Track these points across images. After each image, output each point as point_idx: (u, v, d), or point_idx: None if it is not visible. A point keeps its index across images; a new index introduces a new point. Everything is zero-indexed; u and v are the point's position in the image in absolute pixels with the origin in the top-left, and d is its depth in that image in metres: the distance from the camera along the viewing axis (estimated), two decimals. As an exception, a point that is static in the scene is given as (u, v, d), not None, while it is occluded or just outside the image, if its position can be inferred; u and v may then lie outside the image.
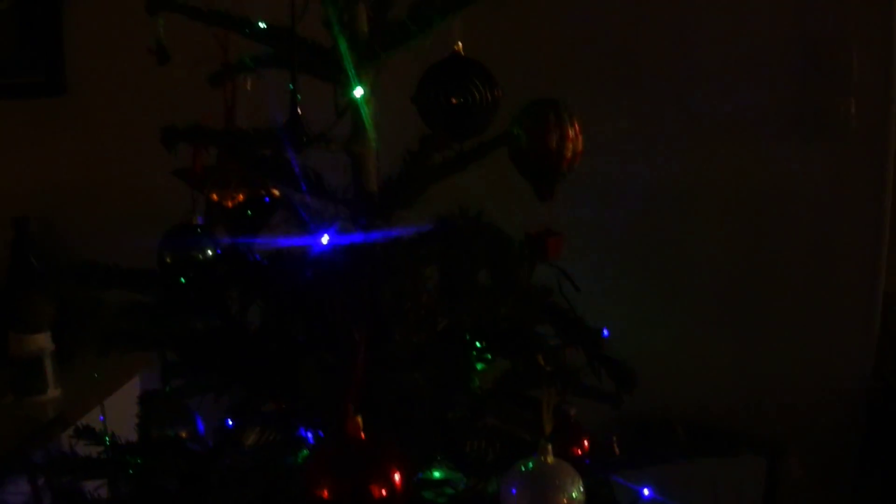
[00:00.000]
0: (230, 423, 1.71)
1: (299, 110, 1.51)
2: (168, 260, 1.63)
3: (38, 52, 3.00)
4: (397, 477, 1.23)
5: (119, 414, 2.47)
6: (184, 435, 1.79)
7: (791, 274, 2.70)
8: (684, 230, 2.70)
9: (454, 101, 1.64)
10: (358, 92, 1.57)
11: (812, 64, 2.63)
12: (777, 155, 2.65)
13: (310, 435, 1.59)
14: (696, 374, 2.77)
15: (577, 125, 1.60)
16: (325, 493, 1.21)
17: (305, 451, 1.63)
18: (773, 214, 2.67)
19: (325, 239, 1.63)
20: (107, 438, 1.74)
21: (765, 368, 2.76)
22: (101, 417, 2.35)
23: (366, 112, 1.62)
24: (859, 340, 2.74)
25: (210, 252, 1.63)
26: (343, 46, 1.59)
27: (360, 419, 1.25)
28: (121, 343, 1.62)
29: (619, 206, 2.63)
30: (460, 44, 1.71)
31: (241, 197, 1.77)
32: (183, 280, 1.61)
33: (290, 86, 1.52)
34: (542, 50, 2.60)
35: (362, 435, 1.24)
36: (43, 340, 2.54)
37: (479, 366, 1.60)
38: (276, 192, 1.76)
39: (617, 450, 1.92)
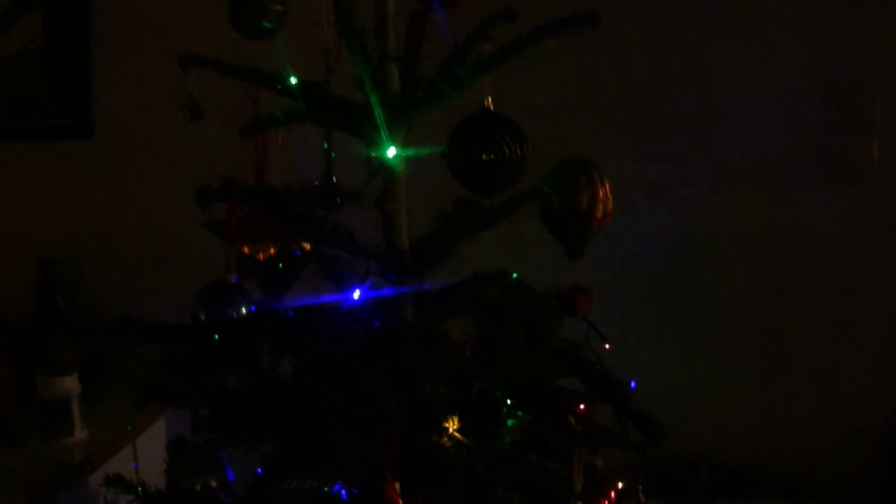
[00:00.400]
0: (260, 472, 1.72)
1: (333, 174, 1.54)
2: (202, 317, 1.65)
3: (66, 95, 3.04)
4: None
5: (145, 455, 2.49)
6: (214, 484, 1.80)
7: (813, 317, 2.71)
8: (706, 275, 2.71)
9: (484, 157, 1.65)
10: (391, 152, 1.59)
11: (834, 108, 2.64)
12: (800, 199, 2.66)
13: (343, 492, 1.60)
14: (719, 417, 2.77)
15: (607, 185, 1.61)
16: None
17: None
18: (796, 258, 2.68)
19: (356, 294, 1.65)
20: (139, 490, 1.75)
21: (787, 411, 2.76)
22: (134, 465, 2.35)
23: (397, 170, 1.64)
24: (882, 383, 2.74)
25: (244, 310, 1.64)
26: (374, 105, 1.61)
27: (398, 485, 1.26)
28: (155, 399, 1.63)
29: (642, 250, 2.64)
30: (490, 99, 1.73)
31: (272, 250, 1.79)
32: (217, 337, 1.63)
33: (325, 146, 1.55)
34: (567, 100, 2.62)
35: (399, 501, 1.26)
36: (70, 383, 2.55)
37: (510, 422, 1.62)
38: (308, 246, 1.78)
39: (643, 498, 1.93)
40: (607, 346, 1.83)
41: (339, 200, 1.55)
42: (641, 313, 2.71)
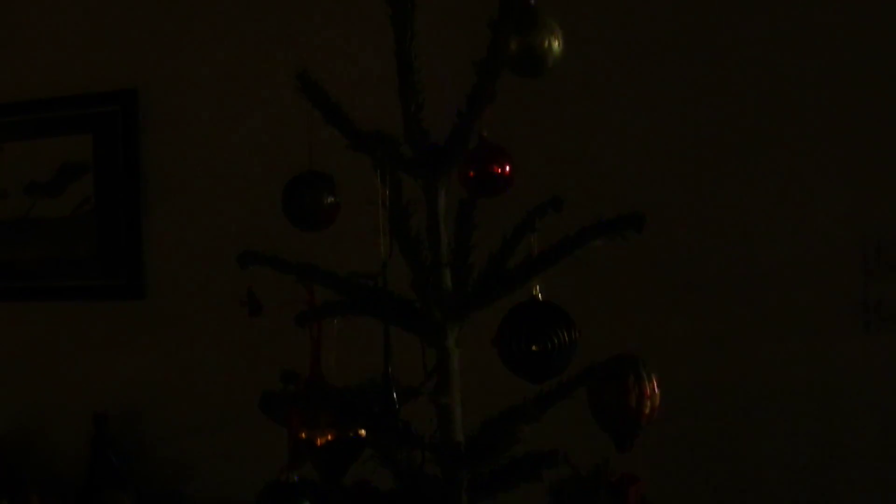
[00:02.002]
0: None
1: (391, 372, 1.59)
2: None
3: (117, 256, 3.13)
4: None
5: None
6: None
7: (862, 468, 2.70)
8: (749, 428, 2.72)
9: (534, 347, 1.70)
10: (446, 353, 1.65)
11: (873, 255, 2.67)
12: (841, 347, 2.67)
13: None
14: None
15: (654, 382, 1.66)
16: None
17: None
18: (839, 407, 2.69)
19: (412, 484, 1.70)
20: None
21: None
22: None
23: (452, 367, 1.69)
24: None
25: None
26: (429, 306, 1.67)
27: None
28: None
29: (683, 403, 2.66)
30: (537, 287, 1.78)
31: (329, 436, 1.83)
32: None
33: (384, 347, 1.61)
34: (611, 258, 2.66)
35: None
36: (126, 544, 2.60)
37: None
38: (364, 433, 1.82)
39: None
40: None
41: (397, 405, 1.61)
42: (685, 466, 2.72)
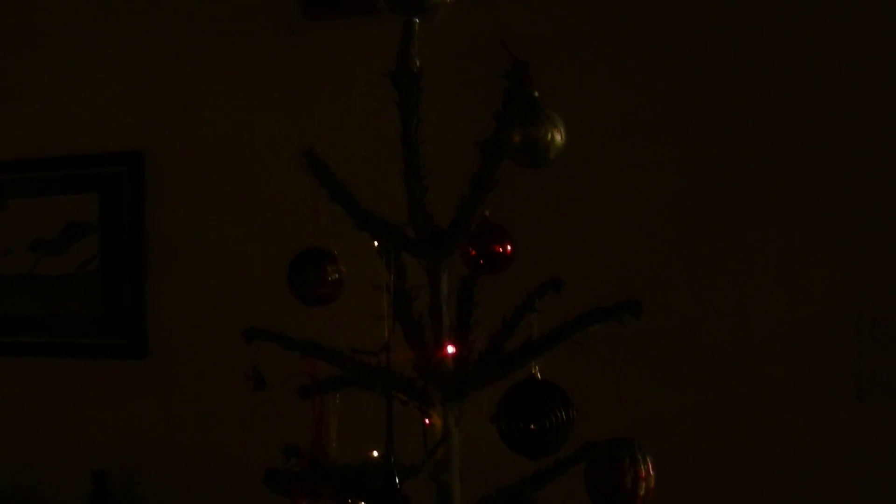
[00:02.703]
0: None
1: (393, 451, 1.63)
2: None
3: (121, 316, 3.17)
4: None
5: None
6: None
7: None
8: (747, 500, 2.74)
9: (532, 426, 1.73)
10: (446, 431, 1.68)
11: (868, 325, 2.70)
12: (835, 418, 2.70)
13: None
14: None
15: (649, 463, 1.69)
16: None
17: None
18: (833, 478, 2.71)
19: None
20: None
21: None
22: None
23: (452, 444, 1.73)
24: None
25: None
26: (430, 387, 1.71)
27: None
28: None
29: (684, 476, 2.68)
30: (536, 367, 1.81)
31: (330, 509, 1.86)
32: None
33: (386, 424, 1.64)
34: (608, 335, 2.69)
35: None
36: None
37: None
38: (363, 507, 1.85)
39: None
40: None
41: (398, 482, 1.64)
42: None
